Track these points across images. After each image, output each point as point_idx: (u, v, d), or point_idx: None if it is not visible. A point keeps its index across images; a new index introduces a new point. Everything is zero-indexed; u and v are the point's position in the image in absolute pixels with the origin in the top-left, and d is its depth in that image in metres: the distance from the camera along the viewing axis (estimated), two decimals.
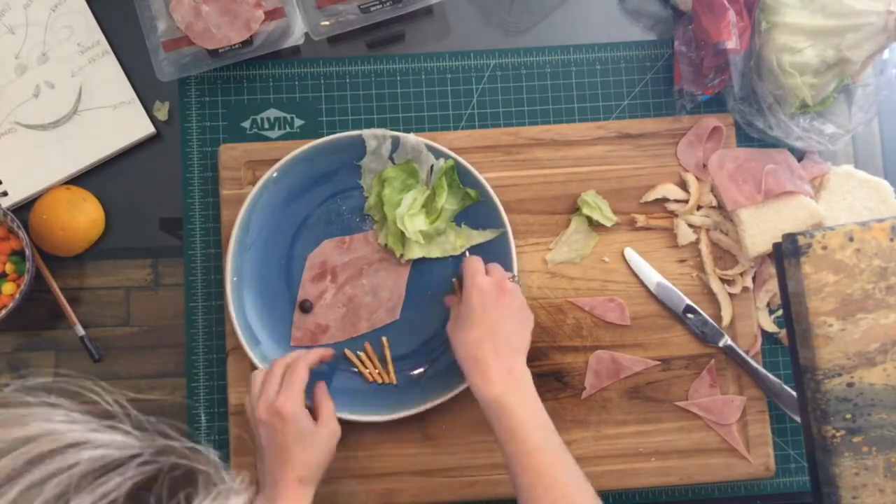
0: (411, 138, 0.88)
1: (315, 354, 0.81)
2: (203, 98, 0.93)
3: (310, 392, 0.80)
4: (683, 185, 0.93)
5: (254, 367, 0.86)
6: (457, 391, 0.86)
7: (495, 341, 0.77)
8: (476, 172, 0.88)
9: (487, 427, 0.89)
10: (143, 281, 0.92)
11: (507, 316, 0.78)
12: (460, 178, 0.89)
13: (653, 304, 0.92)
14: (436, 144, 0.88)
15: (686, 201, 0.92)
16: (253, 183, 0.89)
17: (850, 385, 0.75)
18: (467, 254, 0.90)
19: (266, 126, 0.93)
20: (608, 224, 0.91)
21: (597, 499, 0.72)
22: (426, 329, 0.90)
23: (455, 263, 0.90)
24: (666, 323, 0.91)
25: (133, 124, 0.92)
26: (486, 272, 0.81)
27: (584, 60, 0.95)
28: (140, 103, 0.93)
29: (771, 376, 0.89)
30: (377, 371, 0.89)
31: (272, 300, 0.89)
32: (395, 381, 0.89)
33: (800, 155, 0.94)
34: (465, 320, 0.78)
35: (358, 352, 0.89)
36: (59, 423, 0.45)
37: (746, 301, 0.91)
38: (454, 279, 0.89)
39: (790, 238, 0.77)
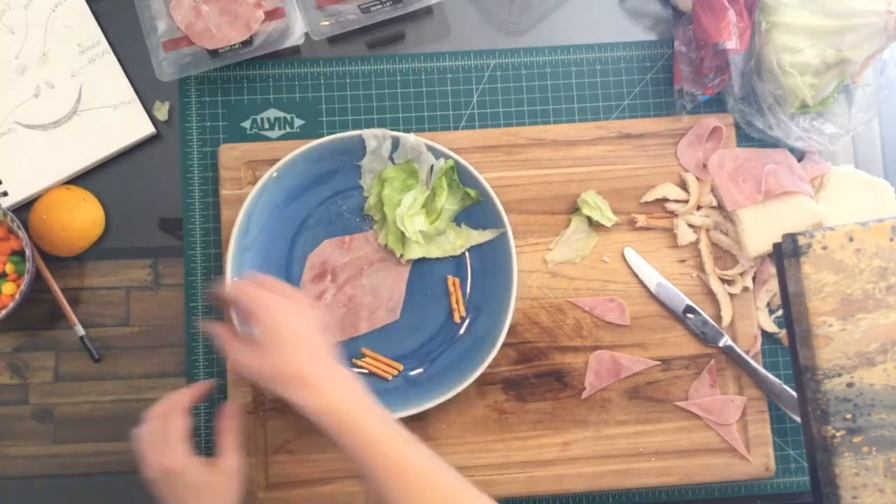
0: (411, 138, 0.88)
1: (188, 395, 0.76)
2: (203, 98, 0.93)
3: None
4: (683, 185, 0.93)
5: None
6: (457, 391, 0.86)
7: (308, 353, 0.71)
8: (476, 172, 0.88)
9: (487, 427, 0.89)
10: (143, 281, 0.92)
11: (311, 329, 0.73)
12: (460, 178, 0.89)
13: (653, 305, 0.92)
14: (436, 144, 0.88)
15: (686, 201, 0.92)
16: (253, 183, 0.89)
17: (850, 385, 0.75)
18: (467, 254, 0.90)
19: (266, 126, 0.93)
20: (608, 224, 0.91)
21: (466, 488, 0.69)
22: (426, 329, 0.90)
23: (455, 263, 0.90)
24: (666, 323, 0.91)
25: (133, 124, 0.92)
26: (265, 289, 0.74)
27: (584, 60, 0.95)
28: (140, 103, 0.93)
29: (771, 376, 0.89)
30: (386, 367, 0.89)
31: None
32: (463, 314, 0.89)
33: (800, 155, 0.94)
34: (269, 345, 0.71)
35: (363, 358, 0.90)
36: None
37: (746, 301, 0.91)
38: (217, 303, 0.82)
39: (790, 238, 0.77)
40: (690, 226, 0.92)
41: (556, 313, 0.91)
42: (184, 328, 0.91)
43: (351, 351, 0.90)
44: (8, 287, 0.87)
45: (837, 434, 0.75)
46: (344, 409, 0.69)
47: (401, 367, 0.89)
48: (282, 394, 0.70)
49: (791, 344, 0.79)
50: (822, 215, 0.90)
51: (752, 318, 0.91)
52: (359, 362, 0.89)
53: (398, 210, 0.88)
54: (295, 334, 0.72)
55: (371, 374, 0.89)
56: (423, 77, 0.94)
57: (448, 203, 0.89)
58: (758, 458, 0.89)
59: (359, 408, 0.71)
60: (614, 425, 0.90)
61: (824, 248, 0.75)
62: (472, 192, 0.89)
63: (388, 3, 0.90)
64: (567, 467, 0.89)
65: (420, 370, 0.89)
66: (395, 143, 0.89)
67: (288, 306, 0.73)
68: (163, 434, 0.74)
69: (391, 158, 0.90)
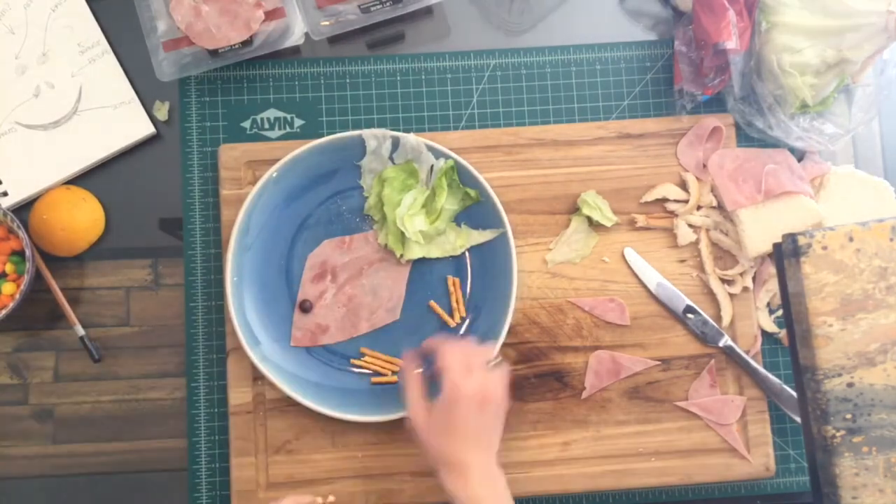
0: (411, 138, 0.88)
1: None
2: (203, 98, 0.93)
3: None
4: (683, 185, 0.93)
5: (254, 367, 0.86)
6: None
7: (476, 446, 0.76)
8: (476, 172, 0.88)
9: None
10: (143, 281, 0.92)
11: (488, 421, 0.77)
12: (460, 178, 0.89)
13: (653, 305, 0.92)
14: (436, 144, 0.88)
15: (686, 201, 0.92)
16: (253, 183, 0.89)
17: (850, 385, 0.75)
18: (467, 254, 0.90)
19: (266, 126, 0.93)
20: (608, 224, 0.91)
21: None
22: (426, 329, 0.90)
23: (455, 263, 0.90)
24: (666, 323, 0.91)
25: (133, 124, 0.92)
26: (467, 365, 0.77)
27: (584, 60, 0.95)
28: (140, 103, 0.93)
29: (771, 376, 0.89)
30: (387, 364, 0.89)
31: (272, 300, 0.89)
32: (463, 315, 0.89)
33: (800, 155, 0.94)
34: (443, 425, 0.76)
35: (362, 357, 0.90)
36: None
37: (746, 301, 0.91)
38: (421, 353, 0.83)
39: (790, 238, 0.77)
40: (690, 226, 0.92)
41: (556, 313, 0.91)
42: (184, 328, 0.91)
43: (351, 351, 0.90)
44: (8, 287, 0.87)
45: (837, 434, 0.75)
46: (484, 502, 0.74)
47: (401, 363, 0.89)
48: (436, 468, 0.76)
49: (791, 344, 0.79)
50: (822, 215, 0.90)
51: (752, 318, 0.91)
52: (357, 362, 0.89)
53: (398, 210, 0.88)
54: (472, 427, 0.76)
55: (372, 374, 0.89)
56: (423, 77, 0.94)
57: (448, 203, 0.89)
58: (758, 458, 0.89)
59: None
60: (614, 425, 0.90)
61: (824, 248, 0.75)
62: (472, 192, 0.89)
63: (388, 3, 0.90)
64: (567, 467, 0.89)
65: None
66: (395, 143, 0.89)
67: (477, 393, 0.76)
68: None
69: (391, 158, 0.90)
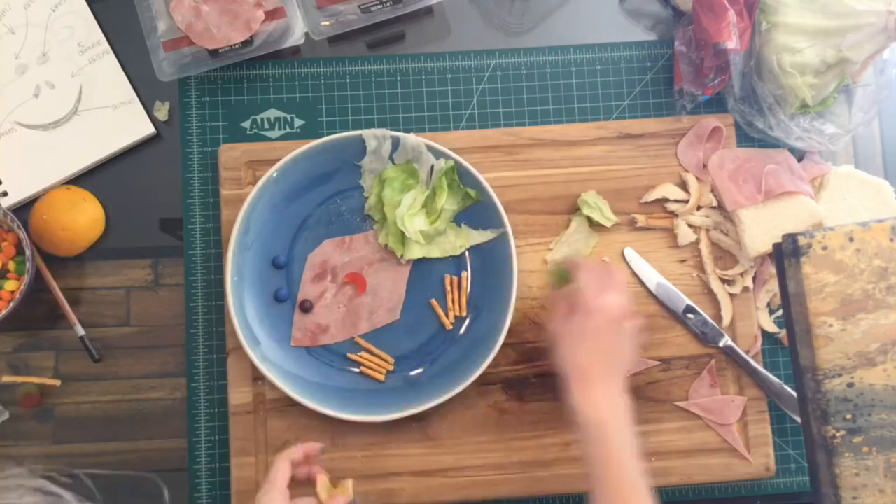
0: (411, 138, 0.88)
1: (297, 450, 0.78)
2: (203, 98, 0.93)
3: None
4: (683, 186, 0.93)
5: (254, 367, 0.86)
6: (457, 391, 0.86)
7: (606, 362, 0.77)
8: (476, 172, 0.88)
9: (488, 427, 0.89)
10: (143, 281, 0.92)
11: (623, 341, 0.78)
12: (460, 178, 0.89)
13: (653, 305, 0.92)
14: (436, 144, 0.88)
15: (686, 201, 0.92)
16: (253, 183, 0.89)
17: (850, 385, 0.75)
18: (467, 254, 0.90)
19: (266, 126, 0.93)
20: (608, 224, 0.91)
21: None
22: (426, 329, 0.90)
23: (455, 263, 0.90)
24: (666, 323, 0.91)
25: (133, 124, 0.92)
26: (602, 285, 0.79)
27: (584, 60, 0.95)
28: (140, 103, 0.93)
29: (771, 376, 0.89)
30: (380, 363, 0.89)
31: (272, 300, 0.89)
32: (464, 314, 0.89)
33: (800, 155, 0.94)
34: (579, 333, 0.77)
35: (360, 352, 0.89)
36: None
37: (746, 301, 0.91)
38: (556, 272, 0.85)
39: (790, 238, 0.77)
40: (690, 226, 0.92)
41: None
42: (184, 328, 0.91)
43: (351, 351, 0.90)
44: (9, 285, 0.87)
45: (838, 434, 0.75)
46: (608, 433, 0.74)
47: (392, 360, 0.89)
48: (565, 376, 0.77)
49: (791, 344, 0.79)
50: (822, 215, 0.90)
51: (752, 319, 0.91)
52: (353, 356, 0.89)
53: (398, 210, 0.88)
54: (604, 341, 0.77)
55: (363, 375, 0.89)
56: (423, 77, 0.94)
57: (448, 203, 0.89)
58: (758, 459, 0.89)
59: (620, 437, 0.74)
60: None
61: (824, 248, 0.75)
62: (473, 192, 0.89)
63: (388, 3, 0.90)
64: (567, 467, 0.89)
65: (420, 370, 0.89)
66: (396, 143, 0.89)
67: (610, 310, 0.77)
68: (266, 478, 0.76)
69: (391, 158, 0.90)
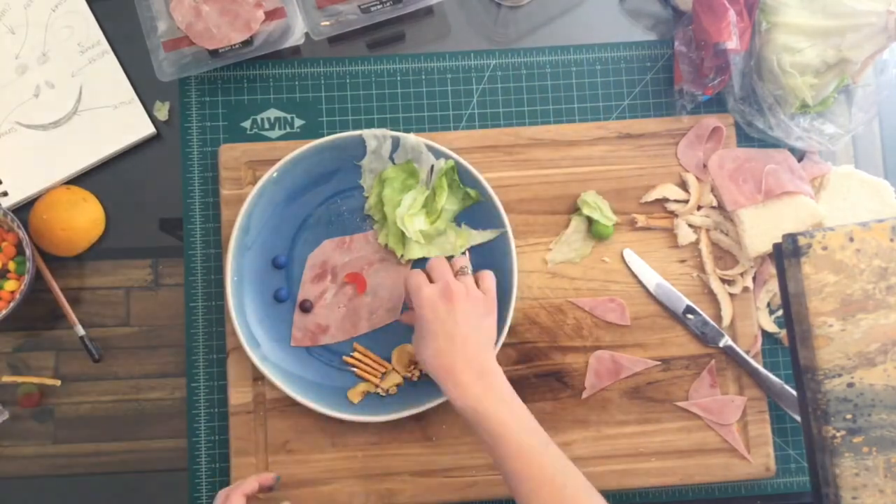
0: (411, 138, 0.88)
1: (251, 483, 0.79)
2: (203, 98, 0.93)
3: None
4: (684, 186, 0.93)
5: (254, 367, 0.86)
6: None
7: (458, 346, 0.76)
8: (476, 172, 0.88)
9: None
10: (143, 281, 0.92)
11: (462, 318, 0.77)
12: (460, 178, 0.89)
13: (653, 305, 0.92)
14: (436, 144, 0.88)
15: (686, 201, 0.92)
16: (253, 183, 0.89)
17: (850, 385, 0.75)
18: (467, 254, 0.90)
19: (266, 126, 0.93)
20: (608, 224, 0.91)
21: (588, 488, 0.73)
22: None
23: None
24: (666, 323, 0.91)
25: (133, 124, 0.92)
26: (429, 277, 0.80)
27: (584, 60, 0.95)
28: (140, 103, 0.93)
29: (771, 376, 0.89)
30: (375, 366, 0.89)
31: (272, 300, 0.89)
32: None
33: (800, 155, 0.94)
34: (422, 334, 0.78)
35: (352, 353, 0.89)
36: None
37: (746, 301, 0.91)
38: (405, 297, 0.87)
39: (790, 238, 0.77)
40: (690, 226, 0.92)
41: (556, 313, 0.91)
42: (184, 328, 0.91)
43: (346, 349, 0.90)
44: (9, 285, 0.87)
45: (838, 434, 0.75)
46: (487, 411, 0.73)
47: (388, 364, 0.89)
48: (434, 379, 0.77)
49: (791, 344, 0.79)
50: (822, 215, 0.90)
51: (752, 318, 0.91)
52: (348, 359, 0.89)
53: (398, 210, 0.88)
54: (440, 328, 0.76)
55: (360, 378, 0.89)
56: (423, 77, 0.94)
57: (448, 203, 0.89)
58: (758, 458, 0.89)
59: (500, 411, 0.74)
60: (615, 425, 0.90)
61: (824, 248, 0.75)
62: (473, 192, 0.89)
63: (388, 3, 0.90)
64: None
65: (420, 370, 0.89)
66: (396, 143, 0.89)
67: (434, 295, 0.77)
68: None
69: (391, 158, 0.90)
